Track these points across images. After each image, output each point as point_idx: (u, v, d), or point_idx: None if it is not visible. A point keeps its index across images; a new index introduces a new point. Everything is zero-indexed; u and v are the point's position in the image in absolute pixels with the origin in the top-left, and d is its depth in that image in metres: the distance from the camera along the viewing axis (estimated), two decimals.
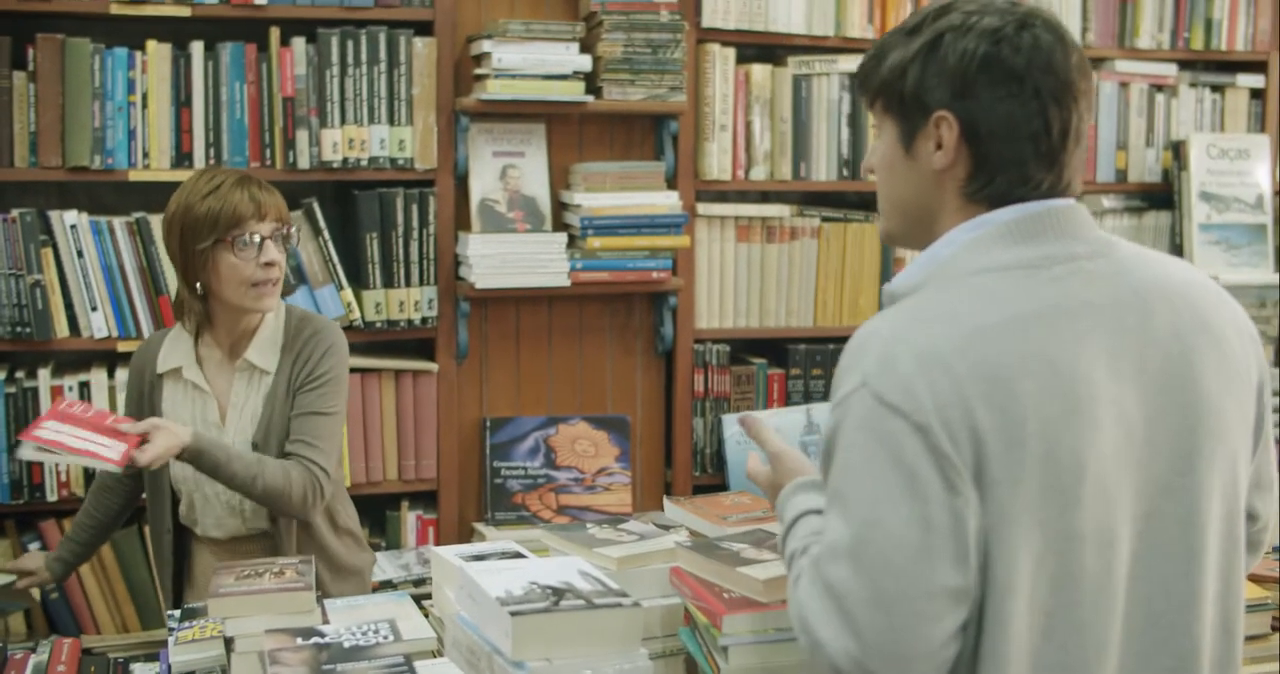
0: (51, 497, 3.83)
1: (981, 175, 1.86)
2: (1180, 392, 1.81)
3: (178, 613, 2.59)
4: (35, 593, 3.46)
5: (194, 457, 2.92)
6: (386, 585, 3.53)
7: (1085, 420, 1.74)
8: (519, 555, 2.44)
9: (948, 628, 1.70)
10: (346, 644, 2.05)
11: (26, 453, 2.77)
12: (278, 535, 3.11)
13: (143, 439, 2.87)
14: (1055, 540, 1.73)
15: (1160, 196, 4.93)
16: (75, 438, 2.79)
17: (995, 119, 1.83)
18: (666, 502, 2.79)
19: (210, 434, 3.04)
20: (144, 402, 3.19)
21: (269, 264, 3.05)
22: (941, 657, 1.71)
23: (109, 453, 2.78)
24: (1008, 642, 1.73)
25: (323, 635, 2.09)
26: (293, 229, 3.13)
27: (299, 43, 3.96)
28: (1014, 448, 1.71)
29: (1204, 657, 1.84)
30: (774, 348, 4.57)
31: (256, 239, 3.03)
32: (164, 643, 2.44)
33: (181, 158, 3.90)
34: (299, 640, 2.07)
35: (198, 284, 3.07)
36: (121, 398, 3.83)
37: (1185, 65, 4.97)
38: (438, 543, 4.08)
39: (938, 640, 1.69)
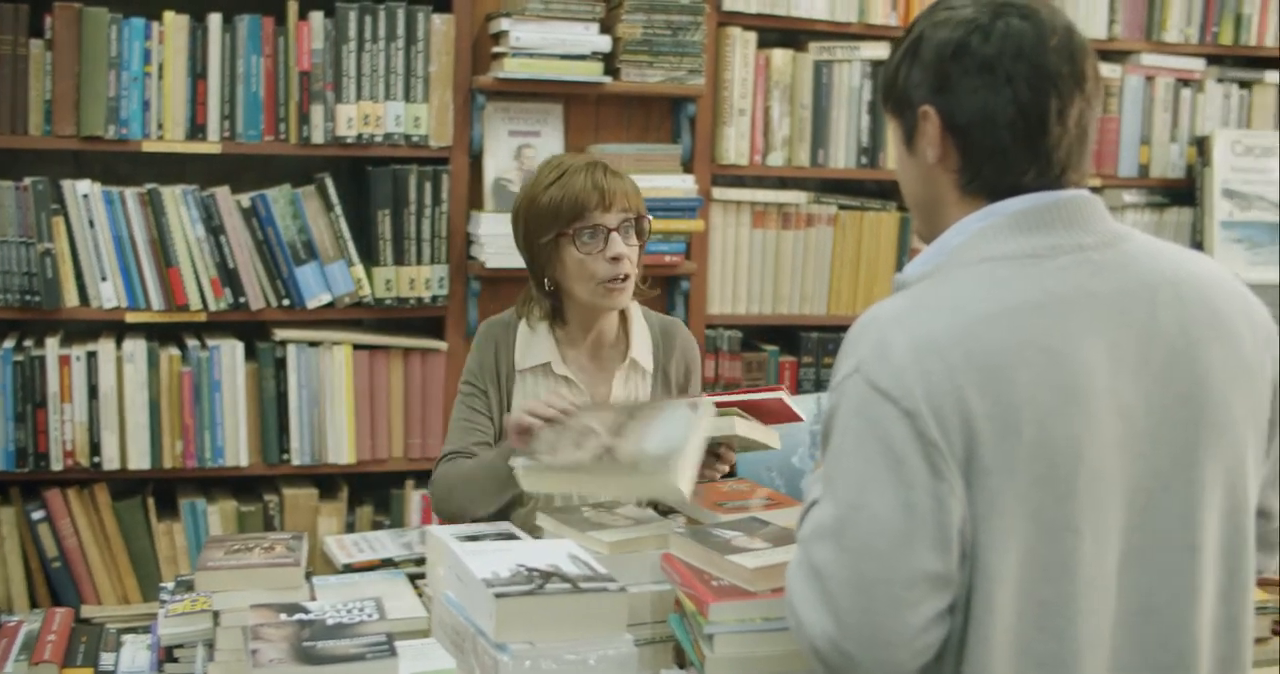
0: (57, 466, 3.84)
1: (970, 167, 1.86)
2: (1184, 384, 1.79)
3: (171, 585, 2.59)
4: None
5: None
6: (387, 564, 3.52)
7: (1082, 410, 1.72)
8: (513, 537, 2.43)
9: (926, 613, 1.70)
10: (330, 621, 2.03)
11: None
12: None
13: None
14: (1049, 530, 1.72)
15: (1183, 193, 4.89)
16: None
17: (971, 110, 1.83)
18: None
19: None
20: (500, 394, 3.02)
21: (616, 258, 2.85)
22: (921, 642, 1.71)
23: None
24: (994, 629, 1.72)
25: (307, 612, 2.07)
26: (647, 218, 2.93)
27: (317, 17, 3.94)
28: (1008, 436, 1.70)
29: (1203, 653, 1.82)
30: (786, 335, 4.55)
31: (601, 230, 2.86)
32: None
33: (196, 130, 3.89)
34: (282, 616, 2.05)
35: (545, 280, 2.93)
36: (130, 369, 3.84)
37: (1213, 60, 4.92)
38: (442, 522, 4.07)
39: (916, 626, 1.69)
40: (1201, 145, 4.83)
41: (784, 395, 2.64)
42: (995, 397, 1.70)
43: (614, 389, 2.99)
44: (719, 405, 2.63)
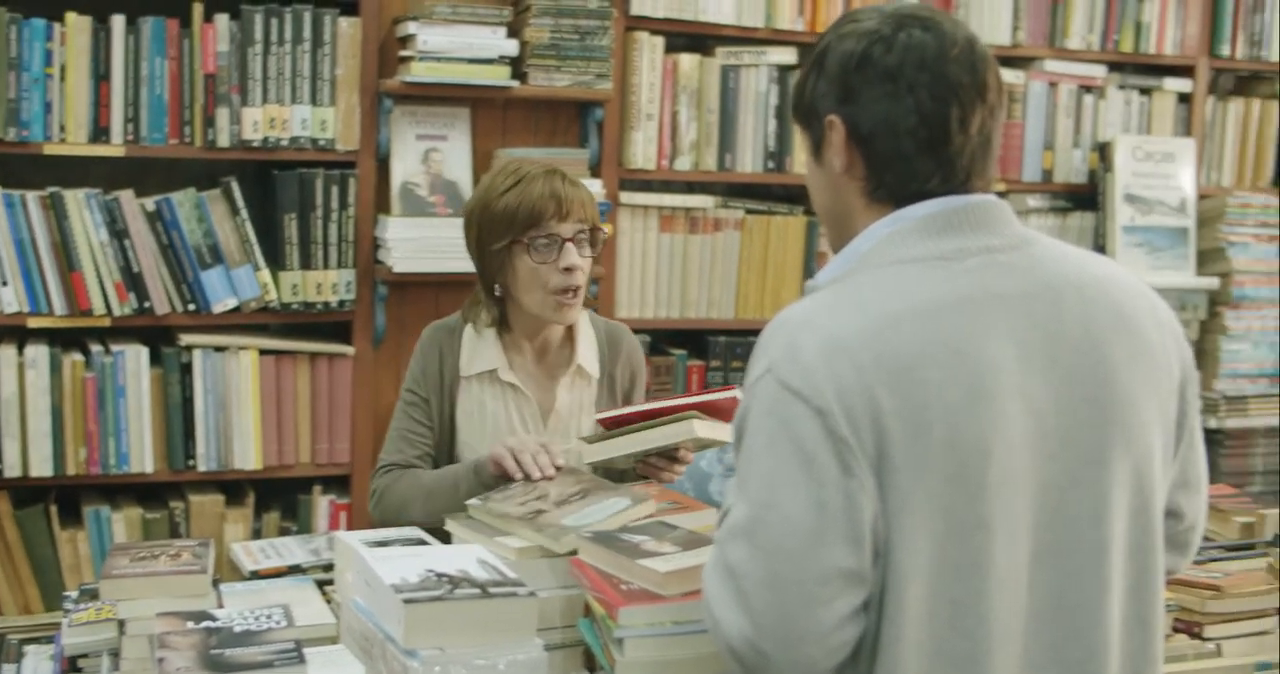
0: None
1: (874, 175, 1.89)
2: (1091, 384, 1.82)
3: (75, 593, 2.55)
4: None
5: None
6: (295, 570, 3.49)
7: (991, 409, 1.74)
8: (422, 542, 2.42)
9: (840, 611, 1.71)
10: (237, 629, 2.02)
11: None
12: None
13: None
14: (960, 528, 1.74)
15: (1085, 197, 4.95)
16: None
17: (875, 118, 1.86)
18: None
19: (528, 436, 2.83)
20: (442, 402, 2.98)
21: (569, 269, 2.82)
22: (836, 640, 1.72)
23: None
24: (906, 628, 1.74)
25: (214, 619, 2.05)
26: (602, 230, 2.91)
27: (222, 19, 3.91)
28: (918, 435, 1.72)
29: (1113, 650, 1.85)
30: (694, 339, 4.56)
31: (556, 240, 2.83)
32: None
33: (99, 132, 3.84)
34: (189, 624, 2.03)
35: (495, 286, 2.92)
36: (32, 375, 3.78)
37: (1114, 67, 5.00)
38: (350, 528, 4.05)
39: (830, 623, 1.70)
40: (1103, 151, 4.90)
41: (738, 394, 2.65)
42: (905, 396, 1.72)
43: (559, 397, 2.98)
44: (676, 409, 2.69)
